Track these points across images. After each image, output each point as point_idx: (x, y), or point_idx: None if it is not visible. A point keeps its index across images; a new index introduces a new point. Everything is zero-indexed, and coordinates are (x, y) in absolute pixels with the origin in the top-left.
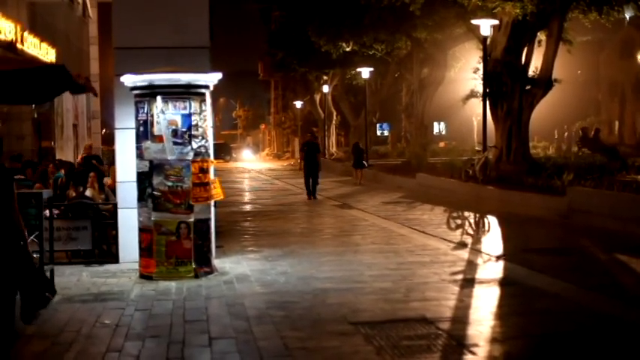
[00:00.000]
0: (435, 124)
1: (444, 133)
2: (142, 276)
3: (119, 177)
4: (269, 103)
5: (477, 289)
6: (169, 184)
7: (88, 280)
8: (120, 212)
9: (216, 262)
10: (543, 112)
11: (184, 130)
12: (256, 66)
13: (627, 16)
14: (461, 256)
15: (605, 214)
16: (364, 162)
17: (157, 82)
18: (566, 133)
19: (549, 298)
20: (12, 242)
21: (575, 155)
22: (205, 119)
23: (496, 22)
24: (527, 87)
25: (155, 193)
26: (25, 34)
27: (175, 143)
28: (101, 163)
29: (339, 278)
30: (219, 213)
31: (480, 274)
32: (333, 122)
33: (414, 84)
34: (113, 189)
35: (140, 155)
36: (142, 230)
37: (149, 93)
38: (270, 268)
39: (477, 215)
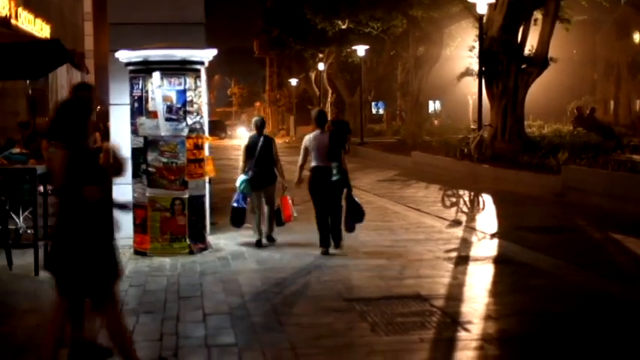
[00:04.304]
0: (431, 102)
1: (439, 111)
2: (137, 252)
3: None
4: (264, 81)
5: (471, 267)
6: (164, 160)
7: None
8: (114, 188)
9: (211, 239)
10: (539, 91)
11: (179, 106)
12: (251, 43)
13: None
14: (455, 234)
15: (599, 193)
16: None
17: (152, 58)
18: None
19: (543, 276)
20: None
21: (570, 134)
22: (200, 95)
23: (492, 0)
24: (523, 66)
25: (150, 169)
26: (20, 9)
27: (170, 119)
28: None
29: (333, 255)
30: (214, 190)
31: (474, 252)
32: (329, 100)
33: (410, 62)
34: None
35: (135, 131)
36: (137, 206)
37: (144, 69)
38: (265, 244)
39: (472, 193)
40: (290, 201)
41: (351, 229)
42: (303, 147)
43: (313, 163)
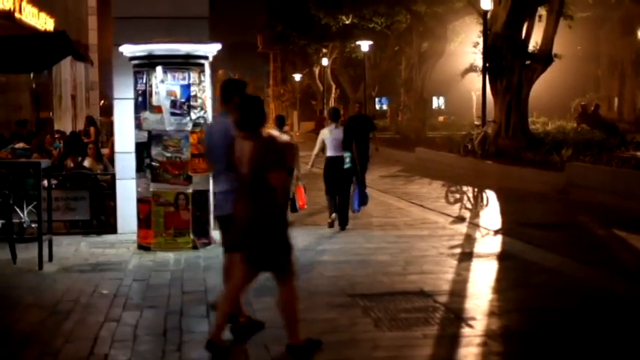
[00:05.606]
0: (434, 98)
1: (443, 107)
2: (140, 247)
3: (118, 147)
4: (268, 76)
5: (475, 263)
6: (168, 154)
7: (86, 251)
8: (118, 183)
9: (215, 234)
10: (543, 87)
11: (183, 100)
12: (255, 38)
13: None
14: (459, 230)
15: (603, 190)
16: None
17: (156, 53)
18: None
19: (547, 273)
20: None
21: (574, 131)
22: (204, 90)
23: None
24: (527, 62)
25: (153, 163)
26: (24, 3)
27: (174, 114)
28: None
29: (337, 251)
30: None
31: (477, 248)
32: (332, 95)
33: (414, 58)
34: (111, 159)
35: (139, 126)
36: (141, 201)
37: (148, 63)
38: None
39: (476, 190)
40: (304, 191)
41: (355, 209)
42: (319, 139)
43: (328, 153)
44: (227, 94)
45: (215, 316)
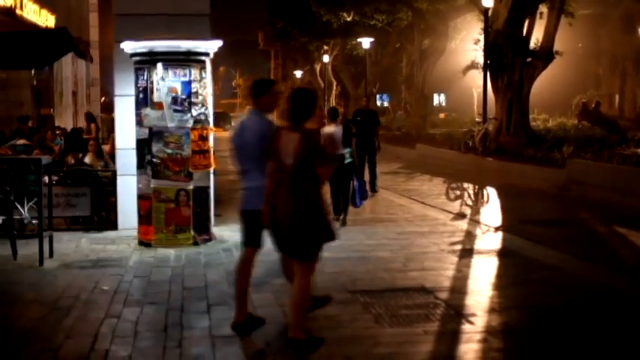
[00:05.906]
0: (435, 95)
1: (443, 104)
2: (141, 243)
3: (119, 144)
4: (269, 73)
5: (476, 260)
6: (169, 151)
7: (86, 247)
8: (119, 179)
9: (215, 230)
10: (544, 84)
11: (184, 97)
12: (256, 35)
13: None
14: (460, 227)
15: (604, 187)
16: None
17: (157, 49)
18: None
19: (547, 269)
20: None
21: (575, 128)
22: (205, 87)
23: None
24: (528, 59)
25: (154, 160)
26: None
27: (175, 110)
28: None
29: (337, 247)
30: (219, 181)
31: (478, 245)
32: (333, 92)
33: (415, 55)
34: (112, 156)
35: (140, 122)
36: (141, 197)
37: (149, 60)
38: (268, 236)
39: (476, 186)
40: None
41: (357, 204)
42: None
43: None
44: (257, 93)
45: (292, 316)
